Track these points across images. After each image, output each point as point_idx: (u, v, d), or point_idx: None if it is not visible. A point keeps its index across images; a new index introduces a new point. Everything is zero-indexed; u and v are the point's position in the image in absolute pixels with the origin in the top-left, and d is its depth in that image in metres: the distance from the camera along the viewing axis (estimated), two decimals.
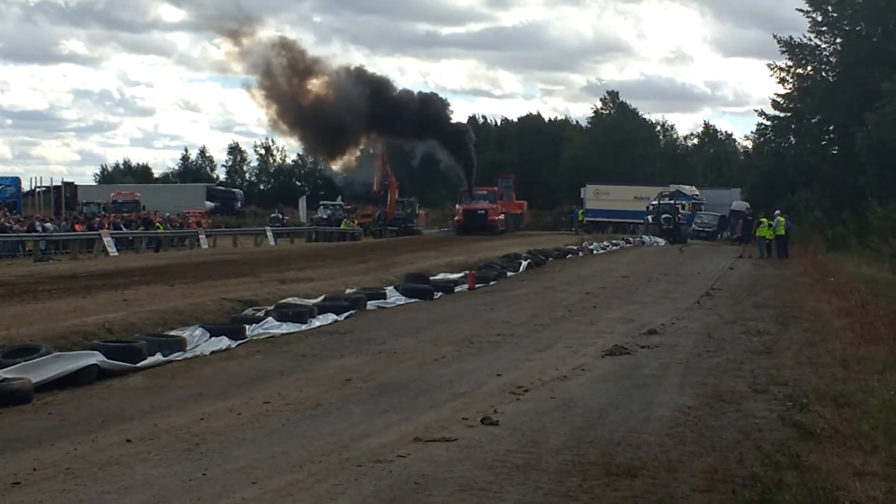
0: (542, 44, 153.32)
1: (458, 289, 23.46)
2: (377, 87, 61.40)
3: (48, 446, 8.65)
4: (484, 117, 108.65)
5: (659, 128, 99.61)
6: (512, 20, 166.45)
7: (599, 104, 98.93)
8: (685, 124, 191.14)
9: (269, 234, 51.54)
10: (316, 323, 16.87)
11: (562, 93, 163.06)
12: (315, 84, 60.46)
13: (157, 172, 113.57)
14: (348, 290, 20.47)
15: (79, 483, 7.51)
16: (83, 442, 8.78)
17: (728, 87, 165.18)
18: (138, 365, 12.47)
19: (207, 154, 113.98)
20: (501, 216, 61.60)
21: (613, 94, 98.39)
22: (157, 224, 47.41)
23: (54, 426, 9.48)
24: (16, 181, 59.92)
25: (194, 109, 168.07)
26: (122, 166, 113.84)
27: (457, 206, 61.99)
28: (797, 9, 51.90)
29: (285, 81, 58.98)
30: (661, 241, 51.85)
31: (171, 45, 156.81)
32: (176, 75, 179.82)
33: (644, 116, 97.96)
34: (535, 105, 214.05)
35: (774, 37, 54.04)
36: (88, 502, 7.09)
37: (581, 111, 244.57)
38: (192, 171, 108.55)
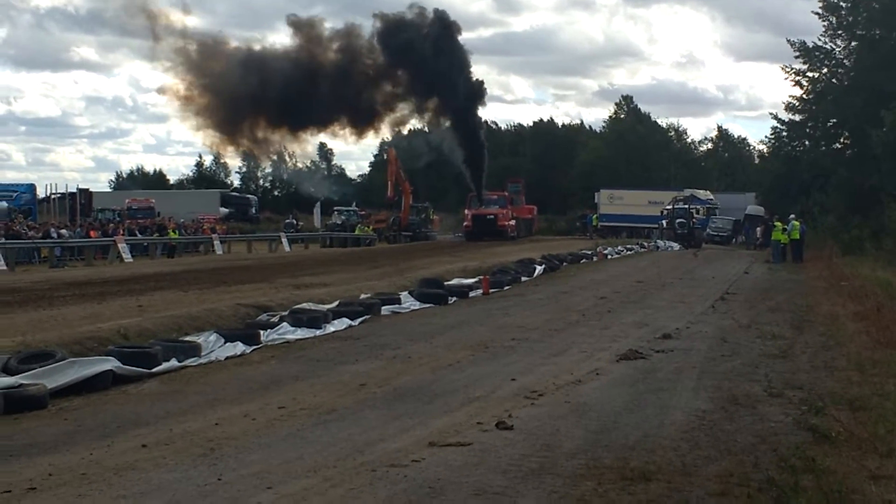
0: (554, 49, 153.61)
1: (472, 294, 23.45)
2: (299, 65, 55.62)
3: (64, 452, 8.67)
4: (495, 123, 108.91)
5: (672, 132, 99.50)
6: (522, 25, 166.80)
7: (614, 109, 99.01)
8: (698, 129, 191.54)
9: (284, 239, 51.71)
10: (330, 328, 16.88)
11: (574, 97, 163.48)
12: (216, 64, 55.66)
13: (171, 179, 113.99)
14: (363, 296, 20.48)
15: (94, 488, 7.52)
16: (99, 447, 8.80)
17: (740, 92, 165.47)
18: (153, 370, 12.50)
19: (221, 160, 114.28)
20: (512, 221, 60.90)
21: (628, 99, 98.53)
22: (171, 231, 47.45)
23: (70, 431, 9.50)
24: (31, 188, 60.21)
25: None
26: (136, 173, 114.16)
27: (466, 212, 61.27)
28: (813, 12, 51.81)
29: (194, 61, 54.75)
30: (676, 246, 51.78)
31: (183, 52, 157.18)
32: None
33: (657, 121, 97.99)
34: (548, 110, 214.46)
35: (788, 41, 53.99)
36: None
37: (593, 116, 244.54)
38: (207, 177, 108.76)
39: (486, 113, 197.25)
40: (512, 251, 40.45)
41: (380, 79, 60.27)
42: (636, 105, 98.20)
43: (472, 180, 61.99)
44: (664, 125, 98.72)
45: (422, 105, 61.92)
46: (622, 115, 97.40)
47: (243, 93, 53.68)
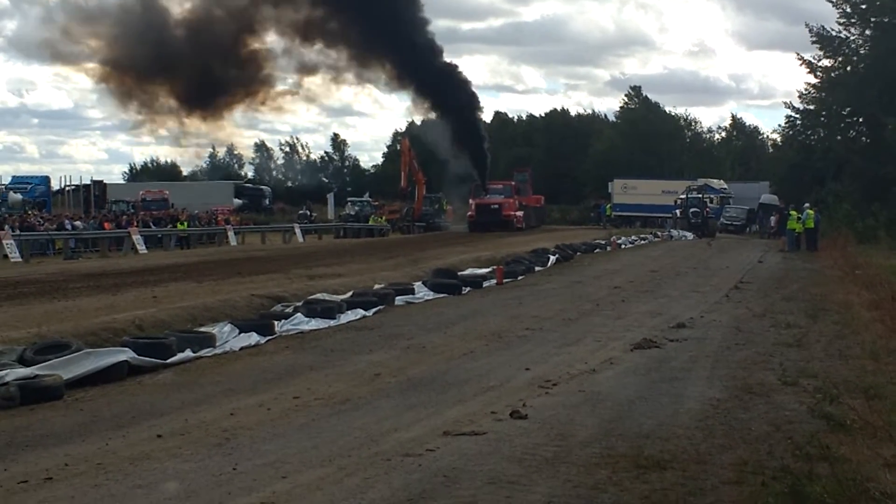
0: (564, 38, 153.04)
1: (486, 284, 23.43)
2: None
3: (79, 442, 8.72)
4: (506, 114, 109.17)
5: (683, 121, 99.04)
6: (532, 14, 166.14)
7: (625, 99, 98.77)
8: (710, 118, 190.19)
9: (298, 230, 51.73)
10: (344, 318, 16.90)
11: (585, 87, 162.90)
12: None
13: (185, 170, 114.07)
14: (376, 286, 20.49)
15: (110, 478, 7.56)
16: (114, 437, 8.84)
17: (752, 81, 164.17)
18: (168, 361, 12.55)
19: (235, 152, 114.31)
20: (519, 212, 58.18)
21: (637, 89, 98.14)
22: (180, 223, 47.07)
23: (85, 422, 9.54)
24: (45, 180, 60.54)
25: None
26: (150, 164, 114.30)
27: (470, 201, 58.22)
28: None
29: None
30: (690, 235, 51.58)
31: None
32: None
33: (668, 110, 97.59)
34: (559, 100, 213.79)
35: (807, 25, 53.55)
36: (120, 497, 7.14)
37: (605, 105, 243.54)
38: (220, 168, 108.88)
39: (497, 103, 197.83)
40: (525, 241, 40.39)
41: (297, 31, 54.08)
42: (645, 95, 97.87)
43: (474, 168, 59.81)
44: (675, 114, 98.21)
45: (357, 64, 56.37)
46: (632, 106, 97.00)
47: (144, 61, 48.52)
